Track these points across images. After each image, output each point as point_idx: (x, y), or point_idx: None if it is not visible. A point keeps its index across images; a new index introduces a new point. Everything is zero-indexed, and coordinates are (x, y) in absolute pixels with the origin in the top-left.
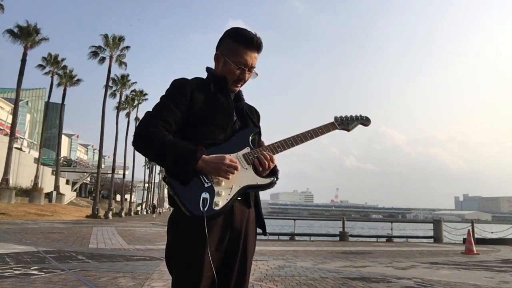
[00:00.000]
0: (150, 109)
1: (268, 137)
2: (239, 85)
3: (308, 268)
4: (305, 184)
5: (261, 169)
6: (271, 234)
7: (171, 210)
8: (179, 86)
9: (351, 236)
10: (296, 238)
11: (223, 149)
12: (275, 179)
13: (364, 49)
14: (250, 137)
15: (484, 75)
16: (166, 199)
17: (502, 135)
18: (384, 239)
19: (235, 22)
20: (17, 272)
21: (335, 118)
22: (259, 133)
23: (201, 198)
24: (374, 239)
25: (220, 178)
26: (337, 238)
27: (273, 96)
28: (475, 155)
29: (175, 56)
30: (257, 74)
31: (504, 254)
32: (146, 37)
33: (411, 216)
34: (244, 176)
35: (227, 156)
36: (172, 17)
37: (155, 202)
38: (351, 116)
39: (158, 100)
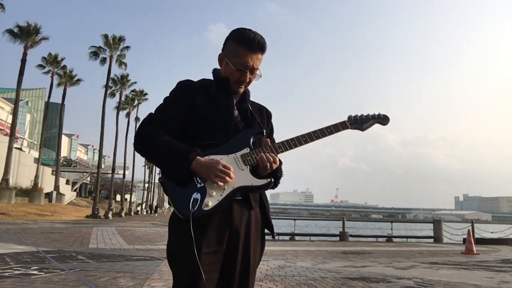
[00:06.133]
0: (153, 111)
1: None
2: (242, 86)
3: (308, 268)
4: (305, 184)
5: (268, 167)
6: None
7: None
8: (182, 88)
9: (351, 236)
10: (296, 238)
11: (223, 150)
12: (272, 180)
13: (359, 50)
14: (252, 138)
15: (478, 76)
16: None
17: (493, 135)
18: (384, 239)
19: (215, 26)
20: (17, 272)
21: (349, 117)
22: (263, 134)
23: (192, 199)
24: (374, 239)
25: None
26: (337, 238)
27: (262, 99)
28: (469, 155)
29: (168, 58)
30: (260, 76)
31: (504, 254)
32: (144, 38)
33: (411, 216)
34: (239, 177)
35: (222, 161)
36: (164, 21)
37: (155, 202)
38: (367, 115)
39: (161, 101)
